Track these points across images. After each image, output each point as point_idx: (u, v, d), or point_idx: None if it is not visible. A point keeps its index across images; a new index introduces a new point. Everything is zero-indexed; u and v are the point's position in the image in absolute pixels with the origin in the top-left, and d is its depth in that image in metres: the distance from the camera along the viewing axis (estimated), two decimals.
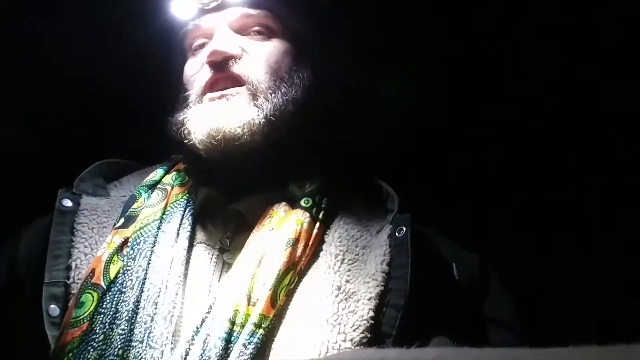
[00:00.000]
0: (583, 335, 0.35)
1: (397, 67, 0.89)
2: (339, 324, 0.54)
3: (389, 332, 0.55)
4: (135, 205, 0.65)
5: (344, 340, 0.54)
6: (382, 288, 0.57)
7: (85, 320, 0.55)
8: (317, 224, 0.63)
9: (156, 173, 0.71)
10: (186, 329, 0.56)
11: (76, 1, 0.83)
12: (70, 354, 0.54)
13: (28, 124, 0.88)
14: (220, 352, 0.53)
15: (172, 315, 0.57)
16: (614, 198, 0.83)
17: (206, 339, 0.54)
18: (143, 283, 0.58)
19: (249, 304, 0.56)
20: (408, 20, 0.89)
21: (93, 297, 0.57)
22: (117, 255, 0.60)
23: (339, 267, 0.59)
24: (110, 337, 0.55)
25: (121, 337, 0.55)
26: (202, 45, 0.71)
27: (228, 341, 0.54)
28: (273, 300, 0.56)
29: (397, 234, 0.61)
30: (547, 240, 0.86)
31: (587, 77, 0.83)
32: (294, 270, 0.59)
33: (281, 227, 0.61)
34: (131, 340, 0.55)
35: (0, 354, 0.60)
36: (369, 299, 0.56)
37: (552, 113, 0.88)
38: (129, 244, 0.61)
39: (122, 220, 0.64)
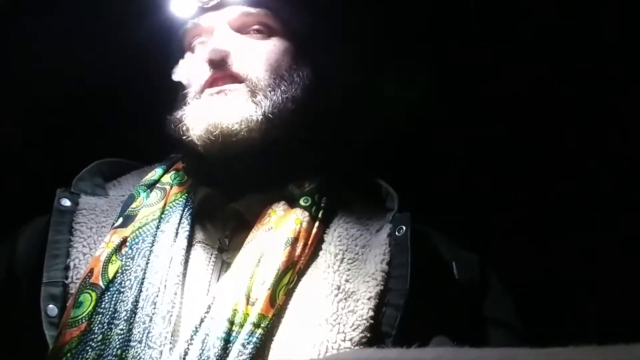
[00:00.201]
0: (583, 335, 0.35)
1: (397, 66, 0.89)
2: (339, 323, 0.54)
3: (388, 332, 0.55)
4: (134, 205, 0.65)
5: (344, 340, 0.54)
6: (382, 287, 0.57)
7: (83, 320, 0.55)
8: (317, 223, 0.63)
9: (155, 172, 0.71)
10: (185, 329, 0.56)
11: (75, 0, 0.82)
12: (69, 354, 0.54)
13: (26, 124, 0.88)
14: (219, 351, 0.53)
15: (171, 315, 0.57)
16: (614, 198, 0.83)
17: (205, 338, 0.54)
18: (142, 283, 0.58)
19: (247, 304, 0.56)
20: (408, 19, 0.89)
21: (91, 297, 0.57)
22: (116, 255, 0.60)
23: (339, 267, 0.59)
24: (109, 337, 0.55)
25: (120, 337, 0.55)
26: (201, 44, 0.70)
27: (227, 341, 0.54)
28: (272, 299, 0.56)
29: (396, 233, 0.61)
30: (547, 240, 0.86)
31: (587, 77, 0.83)
32: (293, 270, 0.59)
33: (280, 226, 0.61)
34: (130, 340, 0.55)
35: None
36: (368, 299, 0.56)
37: (552, 113, 0.88)
38: (127, 244, 0.61)
39: (120, 219, 0.64)
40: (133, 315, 0.56)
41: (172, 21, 0.72)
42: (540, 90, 0.88)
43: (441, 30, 0.90)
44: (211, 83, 0.66)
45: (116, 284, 0.58)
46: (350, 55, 0.79)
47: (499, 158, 0.91)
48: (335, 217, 0.65)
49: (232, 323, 0.54)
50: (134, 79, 0.86)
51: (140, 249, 0.60)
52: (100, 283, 0.57)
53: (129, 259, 0.60)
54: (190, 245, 0.63)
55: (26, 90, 0.86)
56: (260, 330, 0.54)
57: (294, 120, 0.67)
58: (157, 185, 0.69)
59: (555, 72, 0.86)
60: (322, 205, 0.65)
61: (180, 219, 0.64)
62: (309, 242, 0.61)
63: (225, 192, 0.68)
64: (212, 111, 0.64)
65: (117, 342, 0.54)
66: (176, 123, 0.67)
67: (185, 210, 0.65)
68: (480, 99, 0.90)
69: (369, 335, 0.54)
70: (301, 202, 0.64)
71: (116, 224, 0.63)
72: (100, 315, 0.56)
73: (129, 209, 0.65)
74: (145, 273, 0.59)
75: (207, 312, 0.55)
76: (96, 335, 0.55)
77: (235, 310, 0.55)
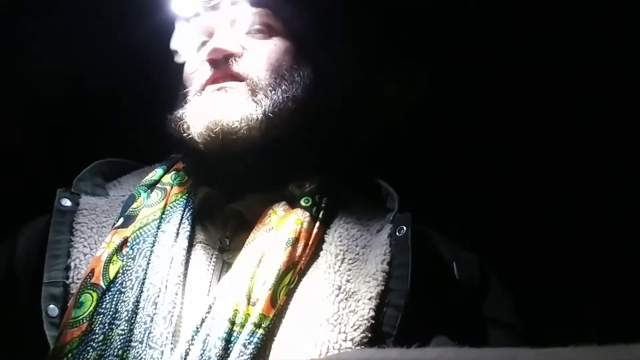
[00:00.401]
0: (583, 335, 0.35)
1: (397, 66, 0.89)
2: (340, 323, 0.54)
3: (389, 332, 0.55)
4: (134, 205, 0.65)
5: (345, 340, 0.54)
6: (383, 287, 0.57)
7: (84, 321, 0.55)
8: (317, 224, 0.63)
9: (155, 172, 0.71)
10: (186, 329, 0.56)
11: (76, 0, 0.82)
12: (70, 354, 0.54)
13: (27, 124, 0.88)
14: (220, 352, 0.53)
15: (172, 316, 0.57)
16: (614, 198, 0.83)
17: (206, 339, 0.54)
18: (143, 283, 0.58)
19: (248, 304, 0.56)
20: (408, 19, 0.89)
21: (92, 297, 0.57)
22: (117, 255, 0.60)
23: (339, 267, 0.59)
24: (110, 337, 0.55)
25: (121, 337, 0.55)
26: (202, 43, 0.71)
27: (228, 341, 0.54)
28: (273, 300, 0.56)
29: (397, 233, 0.61)
30: (547, 240, 0.86)
31: (587, 77, 0.83)
32: (294, 270, 0.59)
33: (281, 226, 0.61)
34: (131, 341, 0.55)
35: None
36: (369, 299, 0.56)
37: (552, 113, 0.88)
38: (128, 244, 0.61)
39: (121, 220, 0.64)
40: (134, 315, 0.56)
41: (174, 20, 0.72)
42: (540, 90, 0.88)
43: (441, 30, 0.90)
44: (212, 81, 0.67)
45: (117, 284, 0.58)
46: (351, 55, 0.79)
47: (499, 158, 0.91)
48: (336, 217, 0.65)
49: (233, 323, 0.54)
50: (134, 79, 0.86)
51: (141, 249, 0.60)
52: (101, 283, 0.57)
53: (130, 259, 0.60)
54: (191, 245, 0.63)
55: (27, 90, 0.86)
56: (261, 331, 0.54)
57: (295, 120, 0.67)
58: (158, 185, 0.69)
59: (555, 72, 0.86)
60: (323, 205, 0.65)
61: (181, 219, 0.64)
62: (310, 243, 0.61)
63: (225, 192, 0.68)
64: (213, 108, 0.64)
65: (118, 343, 0.54)
66: (177, 122, 0.67)
67: (186, 210, 0.65)
68: (480, 99, 0.91)
69: (369, 335, 0.55)
70: (302, 202, 0.64)
71: (117, 224, 0.63)
72: (102, 316, 0.56)
73: (130, 209, 0.65)
74: (146, 273, 0.59)
75: (208, 313, 0.55)
76: (97, 336, 0.55)
77: (236, 310, 0.55)
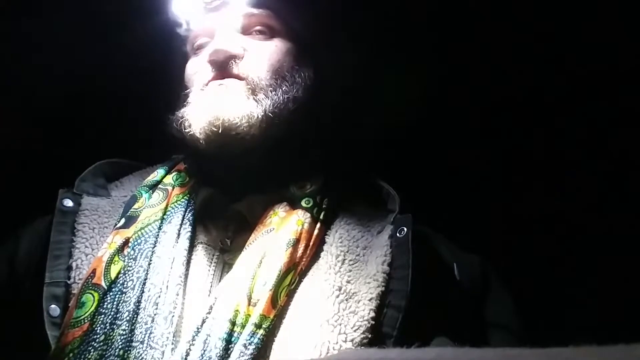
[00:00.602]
0: (583, 335, 0.35)
1: (398, 66, 0.89)
2: (340, 324, 0.54)
3: (389, 333, 0.55)
4: (136, 206, 0.65)
5: (345, 341, 0.54)
6: (383, 289, 0.57)
7: (86, 321, 0.55)
8: (318, 225, 0.63)
9: (157, 173, 0.71)
10: (187, 330, 0.56)
11: (78, 1, 0.83)
12: (71, 354, 0.54)
13: (29, 124, 0.89)
14: (221, 352, 0.53)
15: (173, 316, 0.57)
16: (614, 198, 0.83)
17: (206, 339, 0.54)
18: (144, 283, 0.58)
19: (249, 305, 0.56)
20: (409, 20, 0.89)
21: (94, 297, 0.57)
22: (118, 256, 0.60)
23: (340, 268, 0.59)
24: (111, 337, 0.55)
25: (122, 337, 0.55)
26: (203, 45, 0.71)
27: (228, 341, 0.54)
28: (274, 300, 0.56)
29: (398, 234, 0.61)
30: (547, 240, 0.86)
31: (588, 77, 0.83)
32: (295, 271, 0.59)
33: (282, 227, 0.61)
34: (132, 341, 0.55)
35: (0, 354, 0.60)
36: (369, 300, 0.56)
37: (552, 113, 0.88)
38: (129, 244, 0.61)
39: (123, 220, 0.64)
40: (135, 315, 0.56)
41: (175, 22, 0.72)
42: (540, 90, 0.88)
43: (441, 30, 0.90)
44: (213, 80, 0.67)
45: (118, 285, 0.58)
46: (352, 56, 0.79)
47: (499, 158, 0.91)
48: (337, 218, 0.65)
49: (233, 324, 0.55)
50: (136, 80, 0.86)
51: (143, 249, 0.61)
52: (103, 283, 0.58)
53: (132, 260, 0.60)
54: (192, 246, 0.63)
55: (28, 90, 0.86)
56: (261, 331, 0.54)
57: (295, 121, 0.67)
58: (159, 186, 0.69)
59: (556, 72, 0.86)
60: (324, 206, 0.65)
61: (182, 219, 0.64)
62: (311, 244, 0.61)
63: (226, 193, 0.68)
64: (214, 104, 0.64)
65: (120, 343, 0.55)
66: (178, 121, 0.67)
67: (187, 211, 0.65)
68: (481, 99, 0.91)
69: (370, 336, 0.55)
70: (302, 203, 0.64)
71: (118, 225, 0.63)
72: (103, 316, 0.56)
73: (131, 210, 0.65)
74: (147, 274, 0.59)
75: (209, 313, 0.55)
76: (98, 336, 0.55)
77: (237, 311, 0.55)
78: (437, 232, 0.69)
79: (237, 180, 0.67)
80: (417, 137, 0.92)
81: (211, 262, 0.63)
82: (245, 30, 0.70)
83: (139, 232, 0.62)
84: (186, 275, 0.61)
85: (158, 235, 0.62)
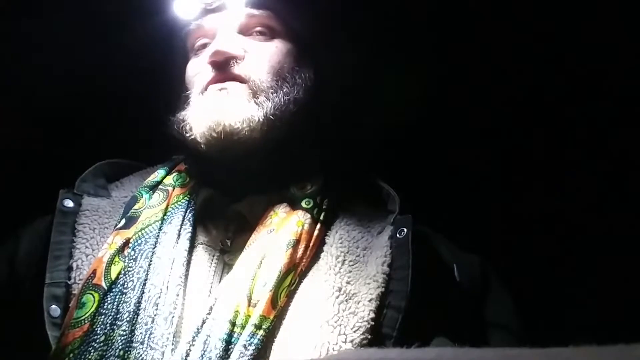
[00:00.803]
0: (583, 335, 0.35)
1: (398, 66, 0.89)
2: (340, 325, 0.54)
3: (389, 334, 0.55)
4: (136, 206, 0.66)
5: (345, 342, 0.54)
6: (383, 289, 0.57)
7: (86, 321, 0.56)
8: (318, 225, 0.63)
9: (157, 174, 0.71)
10: (187, 330, 0.56)
11: (79, 2, 0.83)
12: (71, 355, 0.54)
13: (29, 124, 0.89)
14: (221, 353, 0.53)
15: (173, 316, 0.57)
16: (614, 198, 0.83)
17: (206, 340, 0.54)
18: (144, 284, 0.58)
19: (249, 305, 0.56)
20: (409, 20, 0.89)
21: (94, 297, 0.57)
22: (119, 256, 0.60)
23: (340, 269, 0.59)
24: (111, 337, 0.55)
25: (122, 337, 0.55)
26: (204, 46, 0.71)
27: (228, 342, 0.54)
28: (274, 301, 0.56)
29: (398, 235, 0.61)
30: (547, 240, 0.86)
31: (588, 77, 0.83)
32: (295, 272, 0.59)
33: (282, 228, 0.61)
34: (132, 341, 0.55)
35: (0, 354, 0.60)
36: (369, 301, 0.56)
37: (553, 113, 0.88)
38: (130, 245, 0.61)
39: (123, 221, 0.64)
40: (135, 316, 0.56)
41: (175, 22, 0.72)
42: (540, 90, 0.88)
43: (441, 30, 0.90)
44: (214, 82, 0.66)
45: (119, 285, 0.58)
46: (352, 56, 0.79)
47: (499, 158, 0.91)
48: (337, 219, 0.65)
49: (233, 324, 0.55)
50: (136, 81, 0.86)
51: (143, 250, 0.61)
52: (103, 284, 0.58)
53: (132, 260, 0.60)
54: (192, 246, 0.64)
55: (28, 90, 0.86)
56: (261, 332, 0.54)
57: (296, 122, 0.67)
58: (160, 186, 0.69)
59: (556, 72, 0.86)
60: (324, 207, 0.65)
61: (183, 220, 0.64)
62: (311, 244, 0.62)
63: (227, 194, 0.68)
64: (215, 109, 0.64)
65: (120, 343, 0.55)
66: (179, 123, 0.67)
67: (188, 211, 0.65)
68: (481, 99, 0.91)
69: (369, 336, 0.55)
70: (303, 204, 0.64)
71: (119, 225, 0.63)
72: (103, 316, 0.56)
73: (132, 211, 0.65)
74: (147, 274, 0.59)
75: (209, 314, 0.55)
76: (99, 336, 0.55)
77: (237, 311, 0.55)
78: (437, 232, 0.69)
79: (237, 181, 0.67)
80: (417, 137, 0.92)
81: (211, 263, 0.63)
82: (246, 31, 0.70)
83: (140, 233, 0.62)
84: (186, 276, 0.61)
85: (158, 235, 0.62)
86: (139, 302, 0.57)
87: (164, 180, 0.70)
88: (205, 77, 0.67)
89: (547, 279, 0.84)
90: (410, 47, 0.89)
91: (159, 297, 0.58)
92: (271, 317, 0.56)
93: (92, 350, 0.54)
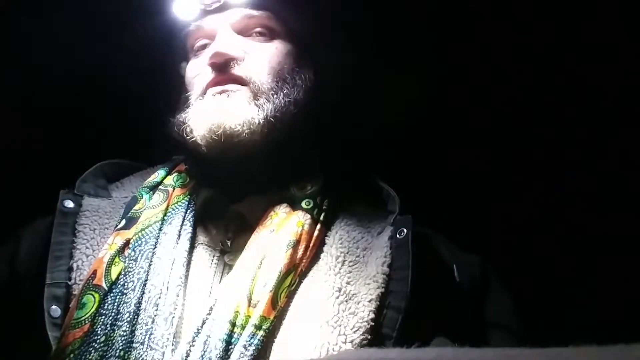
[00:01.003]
0: (583, 335, 0.35)
1: (398, 66, 0.89)
2: (339, 325, 0.55)
3: (389, 334, 0.55)
4: (136, 207, 0.66)
5: (344, 342, 0.54)
6: (383, 290, 0.57)
7: (86, 322, 0.56)
8: (318, 226, 0.63)
9: (157, 174, 0.71)
10: (187, 331, 0.56)
11: (79, 2, 0.83)
12: (72, 355, 0.54)
13: (29, 124, 0.89)
14: (221, 353, 0.53)
15: (173, 317, 0.57)
16: (614, 198, 0.83)
17: (207, 340, 0.54)
18: (144, 284, 0.58)
19: (249, 306, 0.56)
20: (409, 20, 0.89)
21: (94, 298, 0.57)
22: (119, 257, 0.60)
23: (340, 269, 0.59)
24: (112, 338, 0.55)
25: (122, 338, 0.55)
26: (204, 47, 0.71)
27: (228, 342, 0.54)
28: (274, 301, 0.56)
29: (398, 235, 0.61)
30: (547, 240, 0.86)
31: (588, 77, 0.83)
32: (295, 272, 0.59)
33: (282, 228, 0.61)
34: (132, 342, 0.55)
35: (1, 354, 0.60)
36: (369, 301, 0.56)
37: (553, 113, 0.88)
38: (130, 246, 0.61)
39: (123, 221, 0.64)
40: (136, 316, 0.56)
41: (175, 23, 0.72)
42: (540, 90, 0.88)
43: (441, 30, 0.90)
44: (214, 84, 0.66)
45: (119, 286, 0.58)
46: (352, 56, 0.79)
47: (499, 158, 0.91)
48: (337, 219, 0.65)
49: (233, 325, 0.55)
50: (137, 81, 0.86)
51: (143, 250, 0.61)
52: (103, 284, 0.58)
53: (132, 261, 0.60)
54: (192, 247, 0.64)
55: (29, 91, 0.86)
56: (261, 332, 0.54)
57: (296, 123, 0.67)
58: (160, 187, 0.69)
59: (556, 72, 0.86)
60: (324, 207, 0.65)
61: (183, 221, 0.64)
62: (311, 245, 0.62)
63: (227, 194, 0.68)
64: (215, 112, 0.64)
65: (120, 344, 0.55)
66: (179, 125, 0.67)
67: (188, 212, 0.65)
68: (481, 99, 0.91)
69: (369, 337, 0.55)
70: (303, 204, 0.64)
71: (119, 226, 0.63)
72: (103, 317, 0.56)
73: (132, 211, 0.65)
74: (147, 275, 0.59)
75: (209, 314, 0.56)
76: (99, 337, 0.55)
77: (237, 312, 0.55)
78: (437, 232, 0.69)
79: (237, 181, 0.67)
80: (417, 137, 0.92)
81: (211, 263, 0.63)
82: (245, 32, 0.69)
83: (140, 234, 0.62)
84: (186, 277, 0.61)
85: (159, 236, 0.62)
86: (139, 303, 0.57)
87: (164, 181, 0.70)
88: (205, 79, 0.67)
89: (547, 279, 0.84)
90: (410, 47, 0.89)
91: (159, 297, 0.58)
92: (271, 318, 0.56)
93: (93, 351, 0.54)
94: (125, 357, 0.54)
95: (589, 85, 0.83)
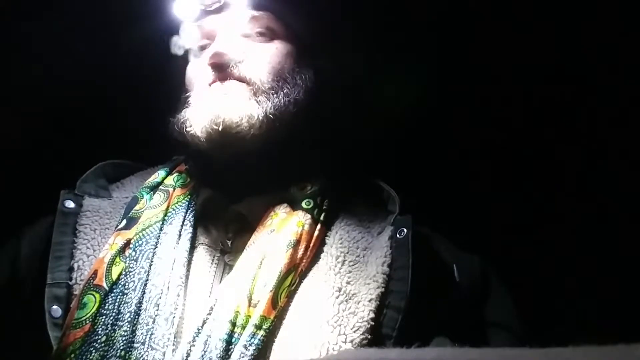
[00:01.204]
0: (583, 335, 0.35)
1: (399, 67, 0.89)
2: (340, 325, 0.55)
3: (389, 334, 0.55)
4: (137, 207, 0.66)
5: (345, 342, 0.54)
6: (383, 289, 0.57)
7: (87, 322, 0.56)
8: (318, 226, 0.63)
9: (158, 174, 0.71)
10: (187, 331, 0.56)
11: (79, 2, 0.83)
12: (73, 355, 0.54)
13: (29, 124, 0.89)
14: (221, 353, 0.53)
15: (174, 317, 0.57)
16: (614, 198, 0.83)
17: (207, 340, 0.54)
18: (145, 284, 0.59)
19: (249, 306, 0.56)
20: (409, 20, 0.89)
21: (95, 298, 0.57)
22: (120, 257, 0.60)
23: (340, 269, 0.59)
24: (113, 338, 0.55)
25: (123, 338, 0.55)
26: (204, 47, 0.71)
27: (229, 342, 0.54)
28: (274, 301, 0.56)
29: (398, 235, 0.61)
30: (547, 240, 0.87)
31: (588, 77, 0.83)
32: (295, 272, 0.59)
33: (282, 228, 0.62)
34: (133, 342, 0.55)
35: (2, 354, 0.61)
36: (369, 301, 0.56)
37: (553, 113, 0.88)
38: (131, 246, 0.61)
39: (124, 221, 0.64)
40: (136, 316, 0.57)
41: (175, 24, 0.72)
42: (541, 91, 0.88)
43: (441, 30, 0.90)
44: (214, 83, 0.67)
45: (120, 286, 0.58)
46: (352, 57, 0.79)
47: (500, 158, 0.91)
48: (337, 219, 0.66)
49: (234, 325, 0.55)
50: (137, 82, 0.86)
51: (144, 251, 0.61)
52: (104, 284, 0.58)
53: (133, 261, 0.60)
54: (193, 247, 0.64)
55: (29, 91, 0.86)
56: (261, 332, 0.55)
57: (296, 123, 0.67)
58: (160, 187, 0.69)
59: (556, 72, 0.86)
60: (324, 207, 0.65)
61: (183, 221, 0.64)
62: (311, 245, 0.62)
63: (227, 194, 0.68)
64: (215, 105, 0.64)
65: (121, 344, 0.55)
66: (179, 123, 0.67)
67: (188, 212, 0.66)
68: (481, 99, 0.91)
69: (369, 337, 0.55)
70: (303, 204, 0.64)
71: (120, 226, 0.63)
72: (104, 317, 0.56)
73: (133, 211, 0.65)
74: (148, 275, 0.59)
75: (209, 314, 0.56)
76: (100, 337, 0.55)
77: (237, 312, 0.55)
78: (436, 232, 0.69)
79: (237, 181, 0.67)
80: (417, 137, 0.92)
81: (212, 263, 0.63)
82: (246, 33, 0.70)
83: (140, 234, 0.62)
84: (187, 277, 0.61)
85: (159, 236, 0.62)
86: (140, 303, 0.57)
87: (164, 181, 0.70)
88: (206, 79, 0.67)
89: (548, 279, 0.84)
90: (410, 47, 0.89)
91: (160, 297, 0.58)
92: (271, 318, 0.56)
93: (94, 351, 0.54)
94: (126, 357, 0.54)
95: (589, 85, 0.83)
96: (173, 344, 0.56)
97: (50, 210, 0.65)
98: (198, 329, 0.55)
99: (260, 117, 0.64)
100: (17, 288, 0.63)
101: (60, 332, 0.56)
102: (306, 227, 0.62)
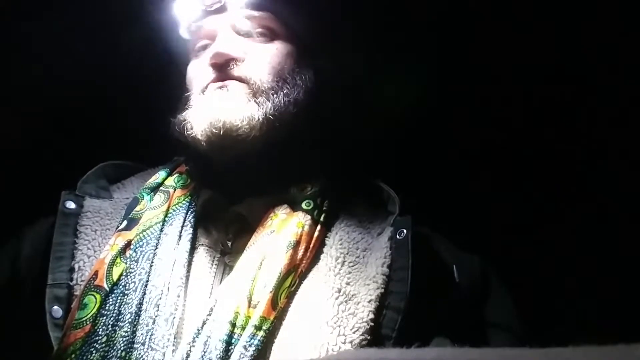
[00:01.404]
0: (583, 335, 0.35)
1: (399, 67, 0.89)
2: (339, 326, 0.55)
3: (389, 335, 0.55)
4: (138, 208, 0.66)
5: (344, 342, 0.54)
6: (383, 290, 0.57)
7: (88, 322, 0.56)
8: (318, 227, 0.63)
9: (158, 175, 0.71)
10: (187, 331, 0.56)
11: (79, 2, 0.83)
12: (73, 355, 0.54)
13: (29, 124, 0.89)
14: (221, 354, 0.53)
15: (174, 318, 0.57)
16: (614, 198, 0.83)
17: (207, 341, 0.54)
18: (145, 285, 0.59)
19: (249, 306, 0.56)
20: (409, 20, 0.89)
21: (96, 299, 0.57)
22: (120, 258, 0.60)
23: (340, 270, 0.59)
24: (113, 339, 0.55)
25: (124, 339, 0.55)
26: (204, 47, 0.71)
27: (229, 343, 0.54)
28: (274, 302, 0.56)
29: (397, 236, 0.61)
30: (547, 240, 0.87)
31: (588, 77, 0.84)
32: (295, 273, 0.59)
33: (282, 229, 0.62)
34: (133, 342, 0.55)
35: (2, 354, 0.61)
36: (369, 301, 0.56)
37: (553, 113, 0.88)
38: (131, 247, 0.61)
39: (125, 222, 0.64)
40: (137, 317, 0.57)
41: (176, 24, 0.72)
42: (541, 90, 0.88)
43: (441, 30, 0.90)
44: (214, 82, 0.67)
45: (120, 287, 0.58)
46: (352, 57, 0.79)
47: (500, 158, 0.91)
48: (337, 220, 0.66)
49: (233, 325, 0.55)
50: (138, 82, 0.86)
51: (144, 251, 0.61)
52: (105, 285, 0.58)
53: (133, 262, 0.60)
54: (193, 248, 0.64)
55: (30, 91, 0.86)
56: (261, 333, 0.55)
57: (296, 123, 0.67)
58: (161, 188, 0.69)
59: (556, 72, 0.86)
60: (324, 208, 0.65)
61: (184, 222, 0.64)
62: (311, 246, 0.62)
63: (227, 195, 0.68)
64: (216, 107, 0.64)
65: (121, 344, 0.55)
66: (180, 123, 0.67)
67: (189, 213, 0.66)
68: (481, 99, 0.91)
69: (369, 337, 0.55)
70: (303, 205, 0.64)
71: (120, 227, 0.64)
72: (105, 317, 0.56)
73: (133, 212, 0.65)
74: (149, 276, 0.59)
75: (209, 315, 0.56)
76: (100, 337, 0.55)
77: (237, 312, 0.55)
78: (436, 232, 0.69)
79: (238, 182, 0.67)
80: (417, 137, 0.92)
81: (212, 264, 0.63)
82: (246, 33, 0.70)
83: (141, 235, 0.62)
84: (187, 277, 0.61)
85: (160, 237, 0.62)
86: (141, 304, 0.57)
87: (165, 182, 0.70)
88: (206, 79, 0.67)
89: (548, 279, 0.84)
90: (410, 47, 0.89)
91: (160, 298, 0.58)
92: (271, 318, 0.56)
93: (94, 351, 0.54)
94: (127, 358, 0.55)
95: (589, 85, 0.83)
96: (173, 345, 0.56)
97: (51, 211, 0.65)
98: (198, 330, 0.55)
99: (261, 119, 0.64)
100: (17, 288, 0.63)
101: (61, 333, 0.56)
102: (306, 228, 0.62)
